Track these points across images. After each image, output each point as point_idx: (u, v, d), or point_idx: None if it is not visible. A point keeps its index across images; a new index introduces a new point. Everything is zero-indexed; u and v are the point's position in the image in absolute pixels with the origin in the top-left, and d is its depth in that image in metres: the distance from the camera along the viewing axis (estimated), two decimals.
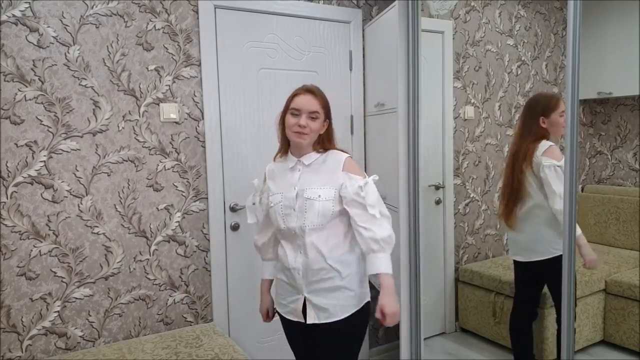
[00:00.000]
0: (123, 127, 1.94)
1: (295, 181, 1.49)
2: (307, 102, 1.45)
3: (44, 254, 1.82)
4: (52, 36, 1.79)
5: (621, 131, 2.50)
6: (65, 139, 1.84)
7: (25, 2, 1.74)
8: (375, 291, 1.69)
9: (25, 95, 1.76)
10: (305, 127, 1.43)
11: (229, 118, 2.17)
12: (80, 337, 1.90)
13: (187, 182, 2.09)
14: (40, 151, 1.79)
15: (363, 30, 2.52)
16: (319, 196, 1.43)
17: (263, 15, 2.24)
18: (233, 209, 2.21)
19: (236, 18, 2.17)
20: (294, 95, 1.49)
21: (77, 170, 1.86)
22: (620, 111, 2.50)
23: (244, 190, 2.20)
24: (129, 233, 1.97)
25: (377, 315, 1.40)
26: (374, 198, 1.42)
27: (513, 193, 2.11)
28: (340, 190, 1.44)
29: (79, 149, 1.86)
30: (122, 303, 1.97)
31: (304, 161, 1.50)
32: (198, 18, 2.06)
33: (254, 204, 1.64)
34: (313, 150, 1.51)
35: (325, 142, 1.52)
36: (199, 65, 2.08)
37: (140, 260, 2.00)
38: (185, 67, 2.05)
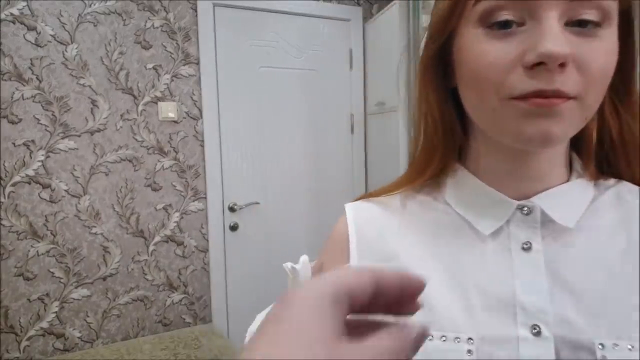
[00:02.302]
0: (121, 126, 1.92)
1: (527, 289, 0.39)
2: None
3: (42, 254, 1.80)
4: (50, 35, 1.78)
5: None
6: (63, 138, 1.82)
7: (23, 1, 1.73)
8: None
9: (22, 94, 1.75)
10: (564, 91, 0.34)
11: (228, 117, 2.16)
12: (79, 338, 1.88)
13: (186, 181, 2.07)
14: (37, 150, 1.78)
15: (363, 28, 2.51)
16: None
17: (262, 13, 2.22)
18: (232, 209, 2.19)
19: (235, 16, 2.16)
20: None
21: (75, 170, 1.85)
22: None
23: (243, 190, 2.19)
24: (127, 233, 1.95)
25: None
26: None
27: None
28: None
29: (77, 149, 1.85)
30: (120, 304, 1.95)
31: (553, 214, 0.41)
32: (197, 16, 2.05)
33: None
34: (576, 176, 0.44)
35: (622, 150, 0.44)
36: (198, 63, 2.06)
37: (139, 261, 1.99)
38: (184, 65, 2.04)
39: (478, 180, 0.44)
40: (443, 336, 0.39)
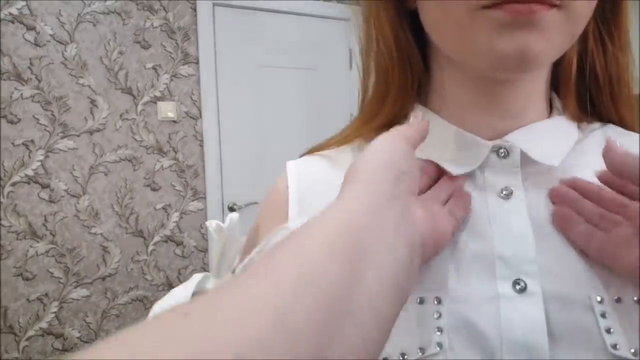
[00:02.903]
0: (120, 126, 1.92)
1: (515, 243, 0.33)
2: None
3: (41, 254, 1.80)
4: (49, 34, 1.78)
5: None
6: (62, 138, 1.82)
7: (22, 0, 1.72)
8: None
9: (22, 94, 1.74)
10: None
11: (227, 116, 2.16)
12: (78, 338, 1.88)
13: (185, 181, 2.07)
14: (37, 150, 1.78)
15: None
16: None
17: (262, 13, 2.22)
18: (232, 209, 2.19)
19: (235, 15, 2.16)
20: None
21: (74, 170, 1.85)
22: None
23: (243, 190, 2.19)
24: (126, 233, 1.95)
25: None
26: None
27: None
28: None
29: (76, 148, 1.85)
30: (119, 304, 1.95)
31: (533, 153, 0.35)
32: (196, 15, 2.05)
33: None
34: (557, 114, 0.38)
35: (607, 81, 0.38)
36: (197, 63, 2.06)
37: (138, 261, 1.99)
38: (183, 65, 2.03)
39: (442, 120, 0.36)
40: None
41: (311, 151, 0.43)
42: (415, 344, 0.29)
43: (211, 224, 0.40)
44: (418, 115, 0.34)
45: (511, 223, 0.32)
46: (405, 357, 0.29)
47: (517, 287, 0.30)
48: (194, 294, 0.39)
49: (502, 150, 0.34)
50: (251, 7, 2.18)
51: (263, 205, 0.43)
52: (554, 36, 0.29)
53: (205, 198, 2.11)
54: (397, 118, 0.39)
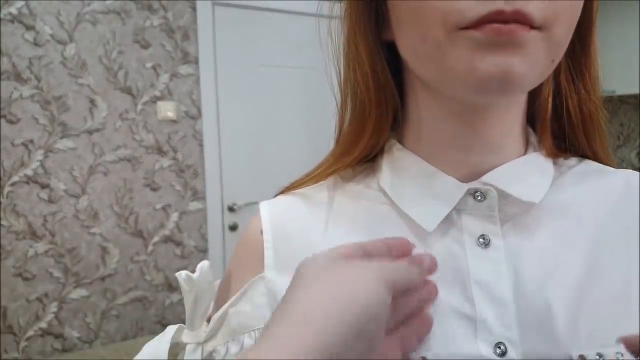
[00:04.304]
0: (120, 126, 1.92)
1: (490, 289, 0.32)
2: None
3: (40, 254, 1.80)
4: (49, 34, 1.78)
5: (624, 130, 2.47)
6: (61, 137, 1.82)
7: (22, 0, 1.72)
8: None
9: (21, 94, 1.74)
10: (525, 17, 0.28)
11: (227, 116, 2.15)
12: (77, 338, 1.88)
13: (185, 181, 2.07)
14: (36, 150, 1.77)
15: None
16: None
17: (262, 12, 2.22)
18: (231, 209, 2.18)
19: (235, 15, 2.15)
20: None
21: (74, 170, 1.84)
22: (624, 110, 2.47)
23: (243, 190, 2.18)
24: (125, 233, 1.95)
25: None
26: None
27: None
28: None
29: (76, 148, 1.84)
30: (118, 304, 1.95)
31: (512, 190, 0.34)
32: (196, 15, 2.04)
33: None
34: (532, 149, 0.37)
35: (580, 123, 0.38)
36: (197, 62, 2.06)
37: (137, 261, 1.98)
38: (183, 64, 2.03)
39: (417, 158, 0.36)
40: None
41: (287, 189, 0.42)
42: None
43: (181, 274, 0.39)
44: (426, 258, 0.31)
45: (490, 280, 0.31)
46: None
47: (498, 350, 0.30)
48: (171, 346, 0.39)
49: (478, 194, 0.33)
50: (251, 6, 2.18)
51: (236, 250, 0.41)
52: (536, 58, 0.28)
53: (204, 198, 2.11)
54: (372, 151, 0.38)
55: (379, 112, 0.37)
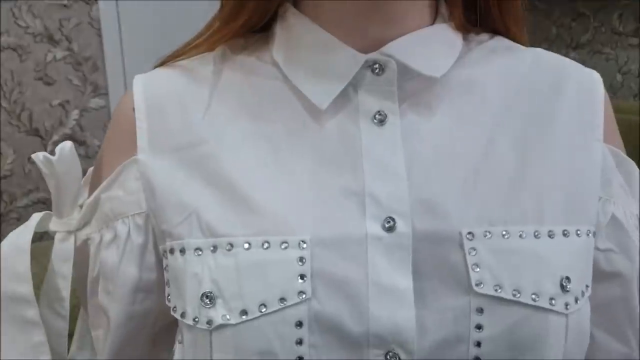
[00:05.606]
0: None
1: (379, 164, 0.31)
2: None
3: None
4: None
5: None
6: None
7: None
8: None
9: None
10: None
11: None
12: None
13: (83, 75, 1.91)
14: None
15: None
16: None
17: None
18: None
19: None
20: None
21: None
22: None
23: None
24: (19, 132, 1.83)
25: None
26: None
27: None
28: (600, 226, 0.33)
29: None
30: (19, 207, 1.85)
31: (412, 62, 0.31)
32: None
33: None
34: (441, 21, 0.34)
35: None
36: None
37: (35, 161, 1.88)
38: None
39: (313, 25, 0.32)
40: (265, 242, 0.28)
41: (165, 61, 0.36)
42: (276, 295, 0.27)
43: (37, 156, 0.36)
44: None
45: (384, 156, 0.30)
46: (264, 309, 0.27)
47: (387, 225, 0.28)
48: (36, 235, 0.36)
49: (376, 66, 0.30)
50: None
51: (109, 130, 0.37)
52: None
53: (107, 94, 1.94)
54: (263, 15, 0.33)
55: None
